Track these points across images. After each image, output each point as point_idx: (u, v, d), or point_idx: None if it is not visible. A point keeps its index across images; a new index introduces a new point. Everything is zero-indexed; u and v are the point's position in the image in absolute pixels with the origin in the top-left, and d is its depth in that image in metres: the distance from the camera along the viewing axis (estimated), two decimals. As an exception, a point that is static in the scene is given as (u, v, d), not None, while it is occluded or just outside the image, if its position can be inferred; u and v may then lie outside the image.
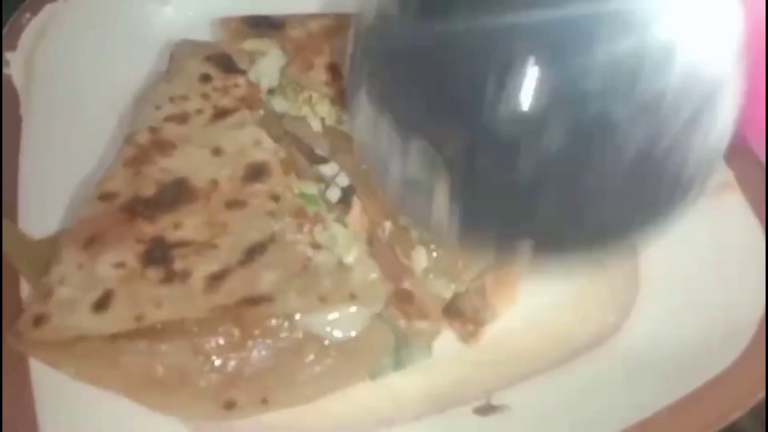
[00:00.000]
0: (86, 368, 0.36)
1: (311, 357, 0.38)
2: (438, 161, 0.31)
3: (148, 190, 0.40)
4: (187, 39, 0.51)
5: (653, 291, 0.42)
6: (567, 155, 0.29)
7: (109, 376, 0.36)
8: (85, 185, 0.43)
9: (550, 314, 0.42)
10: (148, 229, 0.38)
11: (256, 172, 0.42)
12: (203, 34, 0.52)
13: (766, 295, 0.38)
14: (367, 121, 0.34)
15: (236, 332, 0.37)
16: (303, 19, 0.52)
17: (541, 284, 0.43)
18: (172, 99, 0.45)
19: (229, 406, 0.36)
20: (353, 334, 0.38)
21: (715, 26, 0.29)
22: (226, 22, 0.52)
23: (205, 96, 0.46)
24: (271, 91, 0.49)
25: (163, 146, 0.43)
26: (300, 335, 0.38)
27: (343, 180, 0.44)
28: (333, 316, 0.38)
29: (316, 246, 0.39)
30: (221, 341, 0.37)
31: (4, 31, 0.48)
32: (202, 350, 0.37)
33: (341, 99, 0.47)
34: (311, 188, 0.43)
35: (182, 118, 0.44)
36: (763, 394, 0.34)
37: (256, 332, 0.37)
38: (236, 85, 0.47)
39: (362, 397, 0.39)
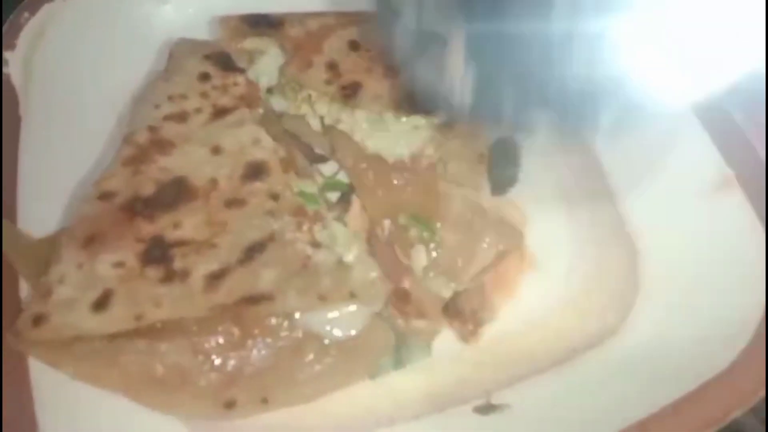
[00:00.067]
0: (85, 368, 0.35)
1: (311, 356, 0.38)
2: (456, 9, 0.28)
3: (148, 189, 0.40)
4: (186, 37, 0.51)
5: (653, 291, 0.42)
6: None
7: (109, 376, 0.36)
8: (84, 185, 0.43)
9: (550, 314, 0.42)
10: (148, 229, 0.38)
11: (256, 171, 0.42)
12: (202, 32, 0.52)
13: (766, 295, 0.38)
14: None
15: (236, 331, 0.37)
16: (302, 17, 0.52)
17: (541, 284, 0.43)
18: (171, 98, 0.45)
19: (229, 405, 0.36)
20: (353, 332, 0.38)
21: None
22: (225, 21, 0.52)
23: (204, 95, 0.46)
24: (270, 90, 0.49)
25: (162, 145, 0.43)
26: (300, 334, 0.38)
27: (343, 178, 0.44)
28: (333, 314, 0.38)
29: (315, 244, 0.39)
30: (221, 340, 0.37)
31: (3, 30, 0.48)
32: (201, 349, 0.36)
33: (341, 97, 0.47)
34: (311, 187, 0.43)
35: (181, 117, 0.44)
36: (763, 392, 0.34)
37: (256, 331, 0.37)
38: (235, 84, 0.47)
39: (362, 396, 0.39)
